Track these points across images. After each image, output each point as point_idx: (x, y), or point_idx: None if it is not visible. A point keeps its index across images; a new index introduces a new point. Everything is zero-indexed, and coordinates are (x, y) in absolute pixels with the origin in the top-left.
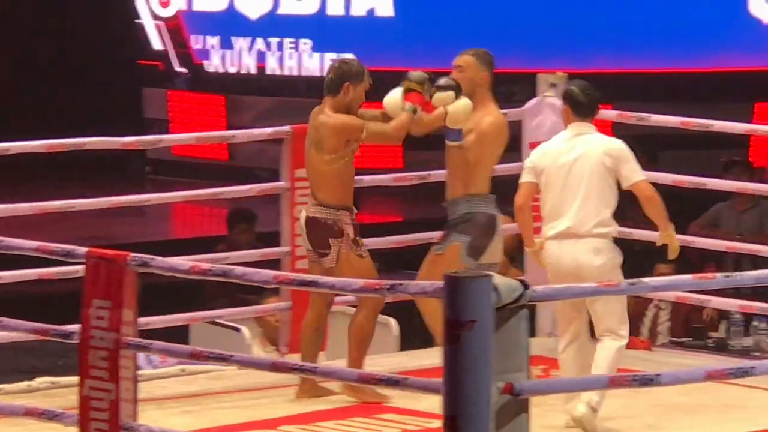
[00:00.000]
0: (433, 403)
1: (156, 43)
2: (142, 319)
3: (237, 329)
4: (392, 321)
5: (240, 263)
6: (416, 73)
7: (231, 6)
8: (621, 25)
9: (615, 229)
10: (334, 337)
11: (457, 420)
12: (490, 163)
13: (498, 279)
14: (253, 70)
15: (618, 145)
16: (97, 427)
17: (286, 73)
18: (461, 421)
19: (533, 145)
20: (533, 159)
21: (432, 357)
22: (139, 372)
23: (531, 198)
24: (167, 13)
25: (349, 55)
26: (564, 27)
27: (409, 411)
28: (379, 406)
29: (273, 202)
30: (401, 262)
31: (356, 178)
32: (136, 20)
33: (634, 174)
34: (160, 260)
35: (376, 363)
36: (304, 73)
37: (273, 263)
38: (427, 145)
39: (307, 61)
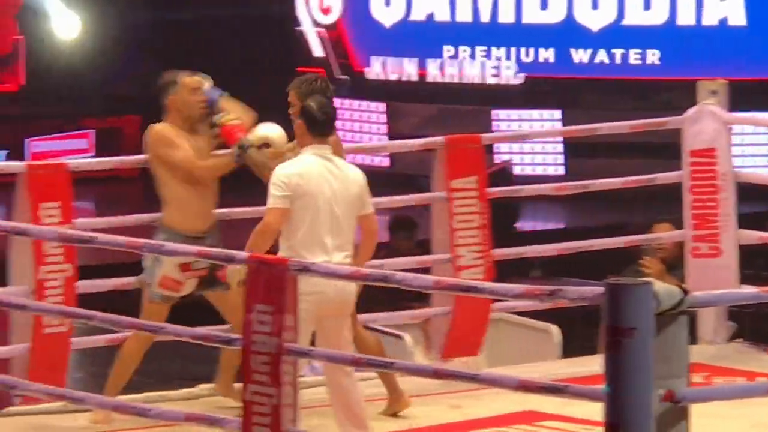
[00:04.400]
0: (591, 409)
1: (317, 51)
2: None
3: (399, 336)
4: (554, 328)
5: (400, 270)
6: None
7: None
8: None
9: None
10: (494, 344)
11: (619, 427)
12: None
13: (658, 286)
14: (415, 78)
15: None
16: None
17: (447, 80)
18: (623, 428)
19: (694, 153)
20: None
21: (593, 364)
22: (301, 379)
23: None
24: (328, 20)
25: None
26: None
27: (569, 418)
28: (539, 413)
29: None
30: (563, 270)
31: (517, 187)
32: (296, 27)
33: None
34: (319, 265)
35: (538, 370)
36: (465, 81)
37: (424, 271)
38: (591, 153)
39: (468, 68)
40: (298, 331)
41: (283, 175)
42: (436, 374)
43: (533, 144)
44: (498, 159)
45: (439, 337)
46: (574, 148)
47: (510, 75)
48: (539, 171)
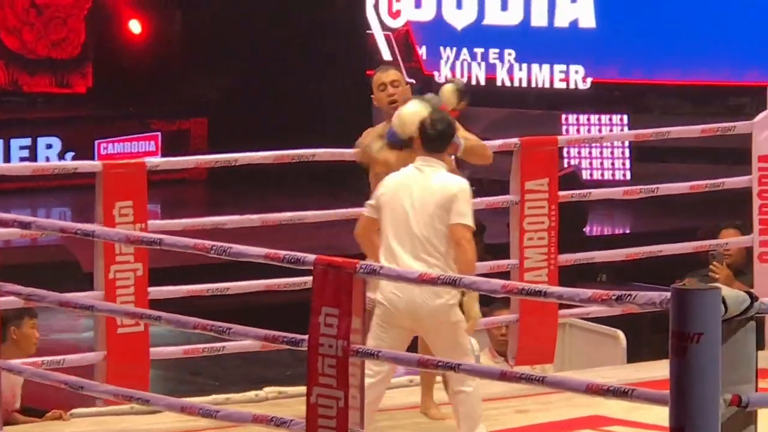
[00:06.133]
0: (657, 414)
1: (385, 54)
2: None
3: None
4: (620, 333)
5: None
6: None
7: (441, 15)
8: None
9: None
10: (560, 349)
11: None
12: None
13: (725, 291)
14: (483, 82)
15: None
16: None
17: (516, 84)
18: None
19: (762, 158)
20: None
21: (659, 369)
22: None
23: None
24: (397, 23)
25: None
26: None
27: (635, 423)
28: (605, 418)
29: (500, 213)
30: (629, 274)
31: (587, 191)
32: (367, 31)
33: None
34: (388, 269)
35: (604, 375)
36: (533, 85)
37: (501, 275)
38: (656, 158)
39: (537, 72)
40: (366, 334)
41: (380, 185)
42: (503, 377)
43: (601, 149)
44: (567, 164)
45: (514, 343)
46: (639, 153)
47: (578, 80)
48: (606, 176)
